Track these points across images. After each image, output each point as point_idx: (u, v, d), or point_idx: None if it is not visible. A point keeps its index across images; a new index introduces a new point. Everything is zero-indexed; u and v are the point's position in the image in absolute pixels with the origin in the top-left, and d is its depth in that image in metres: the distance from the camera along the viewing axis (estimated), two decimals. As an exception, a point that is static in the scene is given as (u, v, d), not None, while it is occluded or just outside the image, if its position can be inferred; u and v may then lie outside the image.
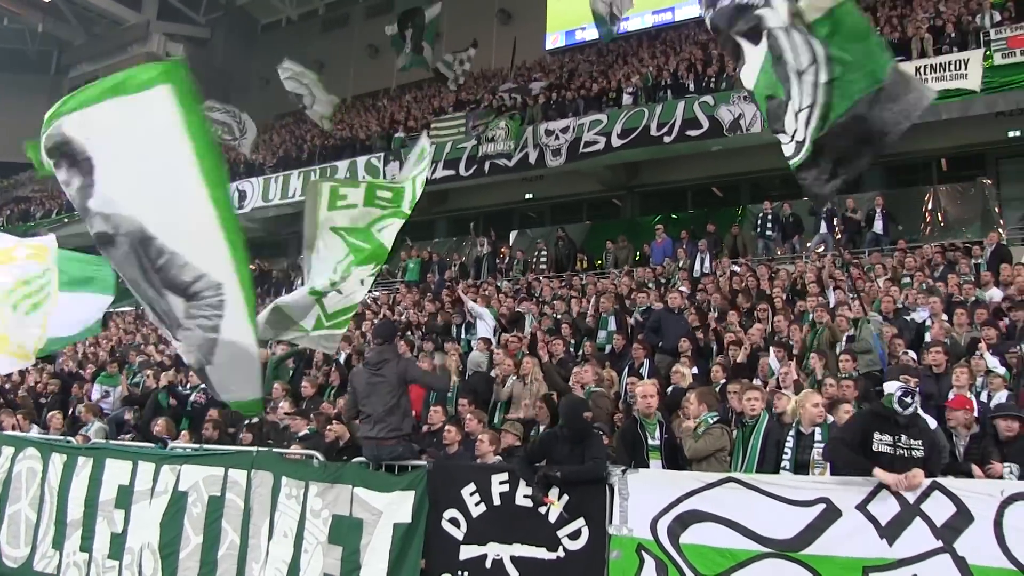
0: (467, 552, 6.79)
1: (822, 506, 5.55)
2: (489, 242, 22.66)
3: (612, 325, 12.66)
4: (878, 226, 16.56)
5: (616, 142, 21.16)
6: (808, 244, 17.84)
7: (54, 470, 9.67)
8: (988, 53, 16.88)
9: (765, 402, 7.35)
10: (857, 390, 8.46)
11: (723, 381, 9.17)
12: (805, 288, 13.11)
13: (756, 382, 8.78)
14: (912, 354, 9.66)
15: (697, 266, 16.96)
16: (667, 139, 20.46)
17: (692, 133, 20.09)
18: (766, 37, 6.37)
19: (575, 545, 6.34)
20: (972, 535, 5.12)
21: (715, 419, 7.02)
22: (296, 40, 38.31)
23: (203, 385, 11.93)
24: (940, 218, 18.57)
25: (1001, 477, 6.14)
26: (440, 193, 25.07)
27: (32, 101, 44.42)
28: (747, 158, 20.29)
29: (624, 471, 6.28)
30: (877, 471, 5.40)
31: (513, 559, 6.56)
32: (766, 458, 6.86)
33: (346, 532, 7.34)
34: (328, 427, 8.84)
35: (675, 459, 6.90)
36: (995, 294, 11.74)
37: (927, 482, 5.30)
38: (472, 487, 6.90)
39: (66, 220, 30.13)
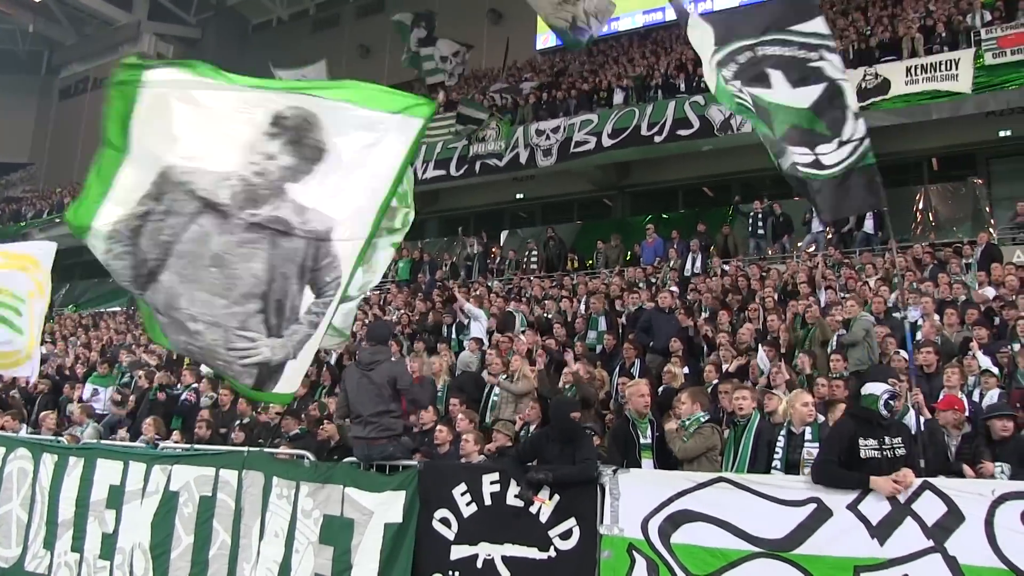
0: (458, 552, 6.77)
1: (813, 506, 5.55)
2: (480, 242, 22.62)
3: (602, 325, 12.64)
4: (868, 225, 16.56)
5: (607, 142, 21.23)
6: (799, 244, 17.86)
7: (45, 470, 9.64)
8: (979, 53, 16.96)
9: (755, 401, 7.36)
10: (848, 389, 8.44)
11: (715, 381, 9.17)
12: (796, 288, 13.12)
13: (746, 382, 8.79)
14: (904, 354, 9.65)
15: (688, 266, 16.99)
16: (658, 139, 20.57)
17: (683, 133, 20.20)
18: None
19: (566, 545, 6.32)
20: (963, 535, 5.12)
21: (706, 418, 7.01)
22: (287, 40, 38.20)
23: (197, 385, 12.02)
24: (931, 218, 18.60)
25: (993, 477, 6.15)
26: (431, 193, 25.05)
27: (22, 101, 44.39)
28: (738, 158, 20.29)
29: (615, 471, 6.26)
30: (873, 481, 5.37)
31: (504, 559, 6.54)
32: (757, 458, 6.89)
33: (337, 532, 7.31)
34: (320, 427, 8.82)
35: (667, 457, 6.88)
36: (988, 292, 11.77)
37: (918, 482, 5.30)
38: (463, 487, 6.88)
39: (57, 220, 29.84)
